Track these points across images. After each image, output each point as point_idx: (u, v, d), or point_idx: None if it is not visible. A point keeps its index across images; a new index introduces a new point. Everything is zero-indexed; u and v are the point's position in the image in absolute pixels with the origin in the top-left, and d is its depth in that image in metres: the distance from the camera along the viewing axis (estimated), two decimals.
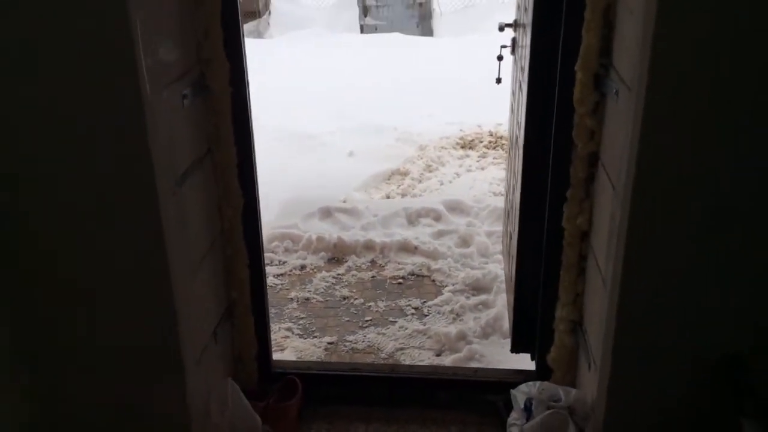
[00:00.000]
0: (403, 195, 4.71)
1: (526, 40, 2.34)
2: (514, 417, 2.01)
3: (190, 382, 1.87)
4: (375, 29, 10.34)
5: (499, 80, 2.91)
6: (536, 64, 2.12)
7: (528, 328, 2.40)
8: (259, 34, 10.27)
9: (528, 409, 1.98)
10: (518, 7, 2.70)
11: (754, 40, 1.44)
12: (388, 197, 4.68)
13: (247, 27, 10.32)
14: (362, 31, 10.46)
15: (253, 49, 8.82)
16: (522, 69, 2.39)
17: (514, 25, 2.77)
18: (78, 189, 1.65)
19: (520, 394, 2.02)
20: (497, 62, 2.90)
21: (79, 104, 1.57)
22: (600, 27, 1.83)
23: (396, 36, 9.77)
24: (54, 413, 1.89)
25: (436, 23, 10.70)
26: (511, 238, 2.66)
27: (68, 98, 1.56)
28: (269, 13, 10.91)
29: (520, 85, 2.46)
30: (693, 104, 1.50)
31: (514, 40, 2.80)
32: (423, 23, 10.41)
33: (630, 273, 1.67)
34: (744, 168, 1.53)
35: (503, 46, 2.89)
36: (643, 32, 1.49)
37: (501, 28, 2.76)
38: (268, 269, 3.45)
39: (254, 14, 10.45)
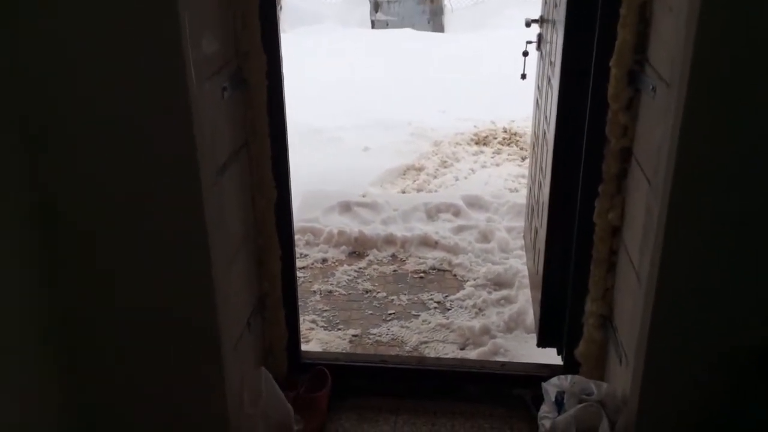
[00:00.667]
0: (419, 190, 4.73)
1: (555, 36, 2.35)
2: (545, 410, 2.03)
3: (228, 370, 1.89)
4: (386, 25, 10.35)
5: (524, 76, 2.92)
6: (568, 60, 2.13)
7: (555, 323, 2.42)
8: None
9: (559, 403, 2.00)
10: (545, 2, 2.71)
11: None
12: (403, 192, 4.70)
13: None
14: (373, 26, 10.48)
15: None
16: (552, 64, 2.41)
17: (541, 21, 2.78)
18: (124, 180, 1.67)
19: (552, 387, 2.04)
20: (522, 58, 2.92)
21: (128, 96, 1.59)
22: (636, 23, 1.84)
23: (407, 31, 9.78)
24: (92, 399, 1.91)
25: (447, 19, 10.70)
26: (537, 233, 2.68)
27: (117, 90, 1.58)
28: (280, 8, 10.85)
29: (549, 81, 2.47)
30: (733, 100, 1.51)
31: (540, 36, 2.82)
32: (434, 19, 10.42)
33: (666, 268, 1.68)
34: None
35: (529, 42, 2.90)
36: (685, 30, 1.50)
37: (528, 24, 2.77)
38: None
39: None
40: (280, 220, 2.19)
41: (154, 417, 1.94)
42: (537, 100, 2.91)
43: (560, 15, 2.20)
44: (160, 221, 1.71)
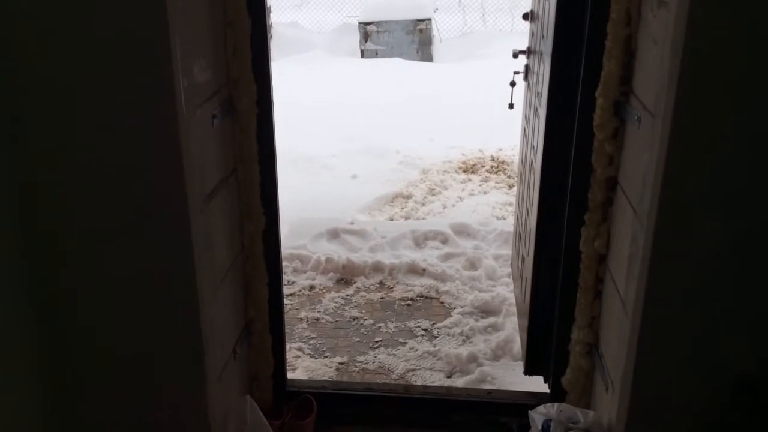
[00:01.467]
0: (407, 218, 4.74)
1: (542, 67, 2.39)
2: None
3: (212, 398, 1.87)
4: (375, 54, 10.45)
5: (511, 105, 2.96)
6: (555, 90, 2.17)
7: (542, 351, 2.42)
8: None
9: (546, 431, 1.99)
10: (532, 34, 2.76)
11: None
12: (391, 219, 4.71)
13: None
14: (363, 55, 10.57)
15: None
16: (538, 94, 2.44)
17: (528, 52, 2.82)
18: (113, 206, 1.67)
19: (538, 415, 2.03)
20: (509, 88, 2.96)
21: (118, 122, 1.59)
22: (621, 55, 1.87)
23: (396, 61, 9.87)
24: (71, 429, 1.89)
25: (436, 49, 10.82)
26: (524, 261, 2.69)
27: (107, 116, 1.59)
28: (271, 36, 10.96)
29: (536, 110, 2.51)
30: (718, 131, 1.54)
31: (527, 67, 2.86)
32: (423, 49, 10.53)
33: (652, 296, 1.69)
34: (766, 192, 1.57)
35: (516, 72, 2.95)
36: (669, 61, 1.54)
37: (515, 55, 2.82)
38: None
39: None
40: (267, 246, 2.19)
41: None
42: (524, 130, 2.94)
43: (547, 47, 2.23)
44: (148, 247, 1.70)
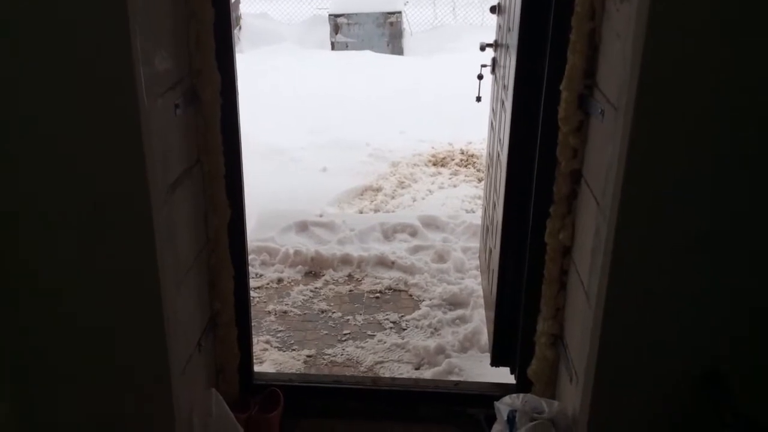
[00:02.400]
0: (376, 210, 4.74)
1: (508, 60, 2.40)
2: (498, 429, 2.04)
3: (176, 391, 1.85)
4: (346, 46, 10.41)
5: (479, 98, 2.97)
6: (521, 84, 2.18)
7: (508, 342, 2.44)
8: None
9: (511, 421, 2.01)
10: (499, 27, 2.77)
11: (741, 63, 1.50)
12: (361, 212, 4.71)
13: None
14: (333, 48, 10.52)
15: None
16: (505, 87, 2.45)
17: (495, 45, 2.83)
18: (71, 196, 1.64)
19: (504, 406, 2.05)
20: (477, 81, 2.97)
21: (76, 110, 1.56)
22: (585, 49, 1.89)
23: (367, 54, 9.85)
24: (37, 422, 1.86)
25: (407, 42, 10.82)
26: (491, 253, 2.70)
27: (65, 104, 1.56)
28: (240, 27, 10.89)
29: (503, 103, 2.52)
30: (680, 124, 1.55)
31: (494, 60, 2.87)
32: (393, 42, 10.52)
33: (614, 287, 1.71)
34: (728, 187, 1.59)
35: (483, 66, 2.95)
36: (631, 56, 1.55)
37: (482, 48, 2.82)
38: None
39: None
40: (233, 239, 2.17)
41: None
42: (491, 123, 2.95)
43: (513, 40, 2.25)
44: (109, 238, 1.67)
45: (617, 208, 1.64)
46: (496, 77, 2.85)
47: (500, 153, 2.53)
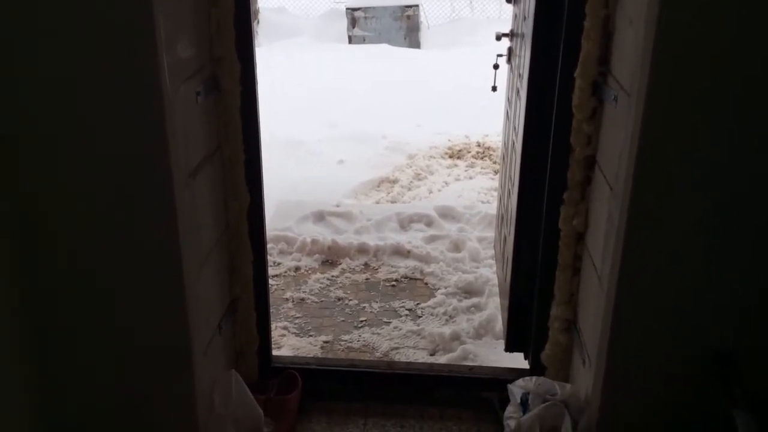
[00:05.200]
0: (393, 202, 4.77)
1: (524, 50, 2.42)
2: (511, 411, 2.07)
3: (198, 372, 1.91)
4: (363, 40, 10.44)
5: (494, 88, 2.99)
6: (535, 71, 2.20)
7: (522, 328, 2.47)
8: None
9: (524, 403, 2.04)
10: (515, 17, 2.79)
11: (753, 48, 1.52)
12: (377, 204, 4.74)
13: None
14: (350, 41, 10.56)
15: None
16: (520, 76, 2.48)
17: (511, 35, 2.86)
18: (97, 181, 1.69)
19: (517, 388, 2.08)
20: (493, 71, 2.99)
21: (102, 97, 1.61)
22: (599, 36, 1.91)
23: (384, 47, 9.88)
24: (62, 402, 1.92)
25: (424, 35, 10.82)
26: (506, 241, 2.73)
27: (91, 89, 1.61)
28: (258, 22, 10.92)
29: (518, 92, 2.54)
30: (691, 109, 1.58)
31: (510, 49, 2.90)
32: (410, 35, 10.53)
33: (626, 271, 1.74)
34: (740, 171, 1.61)
35: (499, 55, 2.98)
36: (643, 41, 1.58)
37: (498, 38, 2.85)
38: None
39: None
40: (252, 225, 2.22)
41: (123, 418, 1.95)
42: (507, 112, 2.98)
43: (528, 28, 2.27)
44: (133, 222, 1.73)
45: (630, 193, 1.67)
46: (511, 67, 2.87)
47: (515, 142, 2.56)
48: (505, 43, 2.94)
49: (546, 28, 2.12)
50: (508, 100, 2.93)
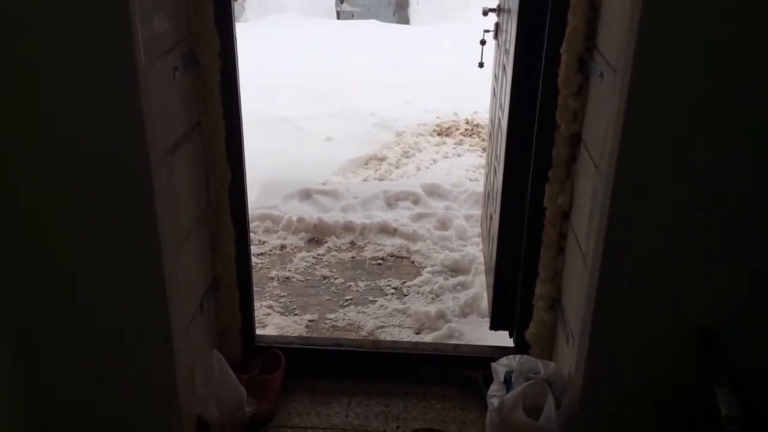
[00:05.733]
0: (381, 180, 4.75)
1: (510, 25, 2.38)
2: (494, 389, 2.06)
3: (178, 352, 1.89)
4: (352, 16, 10.33)
5: (481, 64, 2.96)
6: (521, 47, 2.17)
7: (507, 306, 2.46)
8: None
9: (508, 382, 2.03)
10: None
11: (741, 22, 1.49)
12: (365, 181, 4.71)
13: None
14: (339, 17, 10.46)
15: None
16: (506, 52, 2.44)
17: (498, 10, 2.81)
18: (70, 160, 1.65)
19: (501, 366, 2.07)
20: (480, 46, 2.95)
21: (74, 72, 1.57)
22: (586, 10, 1.87)
23: (373, 23, 9.78)
24: (41, 382, 1.90)
25: (413, 11, 10.73)
26: (492, 219, 2.72)
27: (62, 66, 1.56)
28: None
29: (504, 68, 2.51)
30: (677, 85, 1.55)
31: (497, 25, 2.85)
32: (399, 11, 10.44)
33: (610, 249, 1.72)
34: (724, 148, 1.59)
35: (486, 31, 2.94)
36: (629, 15, 1.54)
37: (485, 13, 2.80)
38: None
39: None
40: (234, 202, 2.19)
41: (102, 396, 1.93)
42: (494, 89, 2.94)
43: (514, 3, 2.23)
44: (108, 200, 1.69)
45: (614, 170, 1.64)
46: (498, 42, 2.83)
47: (501, 119, 2.53)
48: (493, 18, 2.89)
49: (532, 3, 2.09)
50: (495, 77, 2.90)
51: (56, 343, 1.86)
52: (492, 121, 2.95)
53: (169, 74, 1.79)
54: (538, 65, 2.09)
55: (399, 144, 5.51)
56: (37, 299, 1.80)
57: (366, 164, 5.14)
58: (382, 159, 5.20)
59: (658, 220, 1.68)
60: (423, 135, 5.74)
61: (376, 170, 4.99)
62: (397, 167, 5.06)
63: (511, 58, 2.25)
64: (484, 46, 2.92)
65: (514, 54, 2.20)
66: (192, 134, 1.99)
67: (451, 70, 7.34)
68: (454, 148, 5.46)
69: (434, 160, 5.22)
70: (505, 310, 2.48)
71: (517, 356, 2.09)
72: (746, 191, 1.62)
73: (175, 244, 1.85)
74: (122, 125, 1.62)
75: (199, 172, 2.07)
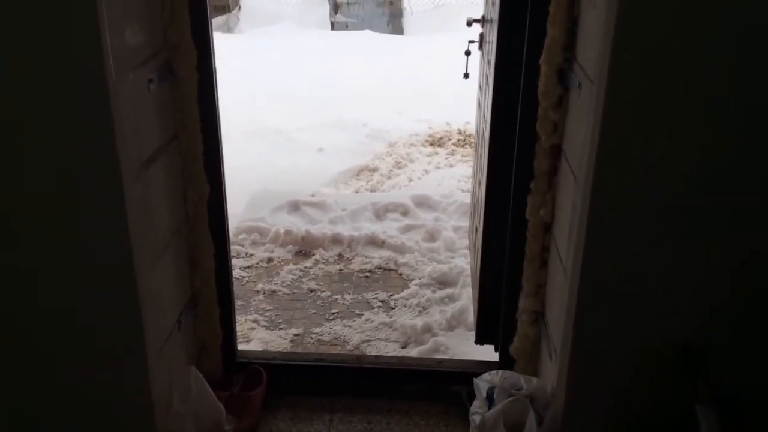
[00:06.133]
0: (372, 191, 4.72)
1: (493, 36, 2.36)
2: (477, 405, 2.03)
3: (153, 369, 1.85)
4: (346, 26, 10.34)
5: (467, 75, 2.94)
6: (502, 58, 2.15)
7: (492, 320, 2.43)
8: (228, 29, 10.18)
9: (490, 398, 2.00)
10: (486, 2, 2.73)
11: (716, 34, 1.47)
12: (357, 192, 4.69)
13: (216, 21, 10.22)
14: (333, 28, 10.45)
15: (223, 43, 8.78)
16: (489, 63, 2.42)
17: (482, 21, 2.80)
18: (41, 173, 1.63)
19: (483, 382, 2.04)
20: (465, 57, 2.93)
21: (43, 84, 1.55)
22: (565, 21, 1.86)
23: (367, 33, 9.78)
24: (13, 400, 1.86)
25: (407, 21, 10.73)
26: (477, 231, 2.69)
27: (32, 77, 1.54)
28: (239, 8, 10.82)
29: (487, 80, 2.49)
30: (653, 97, 1.53)
31: (482, 36, 2.84)
32: (393, 21, 10.44)
33: (590, 262, 1.70)
34: (701, 161, 1.57)
35: (471, 42, 2.92)
36: (605, 25, 1.52)
37: (469, 24, 2.79)
38: (234, 262, 3.44)
39: (224, 9, 10.35)
40: (213, 216, 2.16)
41: (75, 414, 1.89)
42: (479, 100, 2.92)
43: (496, 13, 2.21)
44: (80, 215, 1.66)
45: (591, 182, 1.62)
46: (483, 53, 2.82)
47: (485, 130, 2.51)
48: (478, 29, 2.88)
49: (512, 13, 2.07)
50: (480, 88, 2.88)
51: (24, 361, 1.83)
52: (477, 132, 2.93)
53: (144, 87, 1.77)
54: (518, 76, 2.06)
55: (391, 155, 5.49)
56: (2, 315, 1.77)
57: (358, 175, 5.11)
58: (374, 170, 5.18)
59: (637, 233, 1.65)
60: (415, 145, 5.72)
61: (368, 181, 4.97)
62: (389, 178, 5.04)
63: (493, 69, 2.23)
64: (469, 57, 2.90)
65: (495, 64, 2.18)
66: (169, 147, 1.97)
67: (444, 80, 7.32)
68: (446, 159, 5.44)
69: (426, 171, 5.19)
70: (490, 324, 2.45)
71: (500, 372, 2.06)
72: (725, 202, 1.60)
73: (150, 257, 1.82)
74: (93, 138, 1.59)
75: (176, 185, 2.04)
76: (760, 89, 1.50)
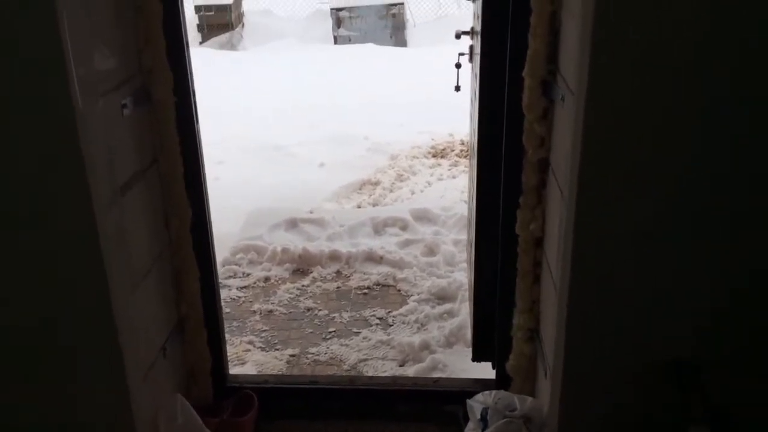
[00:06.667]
0: (375, 204, 4.68)
1: (479, 49, 2.32)
2: (471, 427, 1.98)
3: (136, 398, 1.81)
4: (349, 40, 10.34)
5: (458, 88, 2.89)
6: (487, 71, 2.10)
7: (488, 337, 2.37)
8: (232, 47, 10.23)
9: (484, 419, 1.95)
10: (474, 15, 2.68)
11: (697, 45, 1.43)
12: (359, 207, 4.65)
13: (219, 39, 10.28)
14: (336, 42, 10.46)
15: (226, 61, 8.82)
16: (476, 76, 2.38)
17: (471, 33, 2.75)
18: (11, 203, 1.60)
19: (477, 404, 1.99)
20: (455, 70, 2.89)
21: (10, 112, 1.52)
22: (546, 32, 1.81)
23: (369, 46, 9.78)
24: None
25: (410, 34, 10.73)
26: (472, 245, 2.63)
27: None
28: (242, 25, 10.88)
29: (476, 92, 2.44)
30: (633, 108, 1.49)
31: (471, 48, 2.79)
32: (396, 34, 10.43)
33: (578, 277, 1.65)
34: (686, 174, 1.52)
35: (461, 54, 2.88)
36: (582, 35, 1.48)
37: (458, 36, 2.75)
38: (231, 282, 3.41)
39: (227, 26, 10.40)
40: (197, 239, 2.12)
41: None
42: (471, 113, 2.88)
43: (479, 25, 2.17)
44: (53, 246, 1.63)
45: (575, 196, 1.57)
46: (472, 66, 2.77)
47: (475, 143, 2.46)
48: (468, 41, 2.83)
49: (495, 26, 2.02)
50: (471, 101, 2.83)
51: (7, 393, 1.79)
52: (471, 146, 2.88)
53: (116, 112, 1.74)
54: (504, 89, 2.02)
55: (393, 168, 5.44)
56: None
57: (360, 189, 5.07)
58: (376, 183, 5.14)
59: (623, 248, 1.60)
60: (417, 158, 5.67)
61: (370, 195, 4.92)
62: (392, 191, 4.99)
63: (477, 82, 2.18)
64: (460, 70, 2.86)
65: (479, 77, 2.13)
66: (147, 171, 1.94)
67: (445, 91, 7.28)
68: (449, 170, 5.39)
69: (429, 183, 5.15)
70: (486, 341, 2.39)
71: (493, 392, 2.00)
72: (713, 214, 1.54)
73: (127, 286, 1.79)
74: (62, 166, 1.56)
75: (157, 210, 2.01)
76: (742, 97, 1.45)
